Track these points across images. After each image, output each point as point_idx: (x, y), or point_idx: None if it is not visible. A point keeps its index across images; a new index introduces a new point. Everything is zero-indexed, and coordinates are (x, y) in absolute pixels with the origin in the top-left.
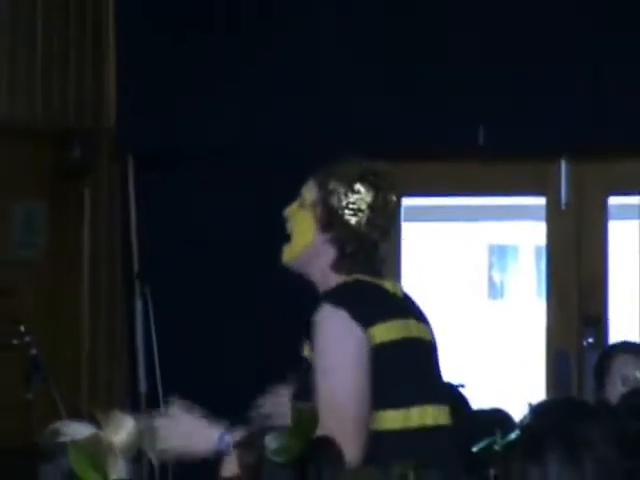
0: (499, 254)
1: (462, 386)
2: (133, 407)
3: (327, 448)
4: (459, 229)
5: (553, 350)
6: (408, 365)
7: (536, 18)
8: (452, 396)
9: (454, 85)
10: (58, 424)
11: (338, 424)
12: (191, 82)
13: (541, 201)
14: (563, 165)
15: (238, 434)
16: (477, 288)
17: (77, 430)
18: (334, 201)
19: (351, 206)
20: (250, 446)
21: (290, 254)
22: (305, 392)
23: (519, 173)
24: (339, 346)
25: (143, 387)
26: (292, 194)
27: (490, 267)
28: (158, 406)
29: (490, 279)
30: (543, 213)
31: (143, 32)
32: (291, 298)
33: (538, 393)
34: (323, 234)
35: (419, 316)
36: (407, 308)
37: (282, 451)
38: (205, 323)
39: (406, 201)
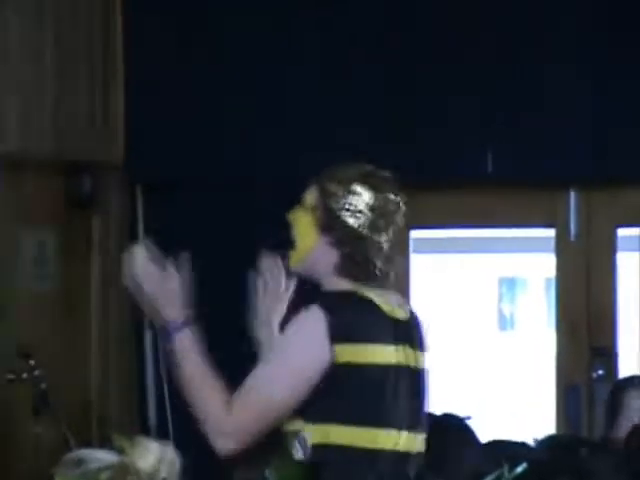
0: (509, 286)
1: (468, 418)
2: None
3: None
4: (469, 261)
5: (563, 382)
6: (376, 389)
7: (546, 47)
8: (458, 427)
9: (462, 115)
10: (77, 452)
11: (243, 409)
12: (200, 114)
13: (550, 233)
14: (572, 196)
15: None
16: (487, 320)
17: (99, 457)
18: (333, 203)
19: (349, 207)
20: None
21: (295, 259)
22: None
23: (528, 204)
24: (299, 346)
25: (153, 419)
26: None
27: (500, 299)
28: (168, 438)
29: (500, 311)
30: (552, 245)
31: (151, 66)
32: None
33: (548, 425)
34: (324, 237)
35: (415, 343)
36: (400, 333)
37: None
38: (214, 353)
39: (415, 233)
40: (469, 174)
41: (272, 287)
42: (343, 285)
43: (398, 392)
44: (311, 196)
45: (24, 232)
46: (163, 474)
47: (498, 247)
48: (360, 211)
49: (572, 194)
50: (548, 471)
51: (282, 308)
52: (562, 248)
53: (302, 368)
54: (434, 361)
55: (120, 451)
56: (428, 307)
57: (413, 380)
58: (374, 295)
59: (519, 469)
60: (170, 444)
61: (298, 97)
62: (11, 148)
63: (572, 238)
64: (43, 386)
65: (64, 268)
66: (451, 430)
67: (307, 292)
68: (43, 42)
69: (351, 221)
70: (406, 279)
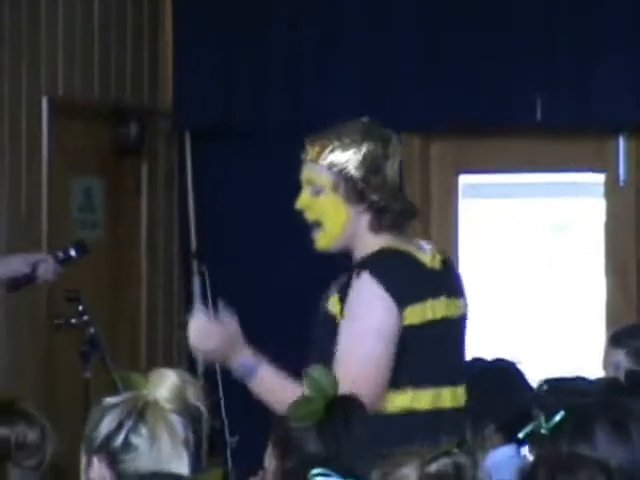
0: (558, 230)
1: (518, 362)
2: None
3: (351, 403)
4: (517, 206)
5: (613, 325)
6: (432, 348)
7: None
8: (508, 373)
9: (512, 61)
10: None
11: (351, 387)
12: (246, 60)
13: (600, 178)
14: (621, 142)
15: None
16: (537, 265)
17: (121, 397)
18: (353, 172)
19: (371, 167)
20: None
21: (326, 239)
22: (322, 343)
23: (577, 150)
24: (371, 314)
25: (201, 365)
26: None
27: (548, 243)
28: (216, 384)
29: (549, 256)
30: (601, 190)
31: (199, 10)
32: None
33: (597, 367)
34: (356, 206)
35: (452, 291)
36: (439, 284)
37: (307, 416)
38: (264, 302)
39: (464, 178)
40: (518, 122)
41: None
42: (379, 241)
43: (444, 346)
44: (320, 176)
45: (72, 178)
46: (190, 399)
47: (547, 192)
48: (379, 166)
49: (621, 139)
50: (587, 415)
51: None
52: (611, 193)
53: (384, 328)
54: (481, 306)
55: (137, 387)
56: (476, 252)
57: (453, 331)
58: (412, 248)
59: (557, 418)
60: (186, 373)
61: (345, 46)
62: (58, 94)
63: (621, 183)
64: (92, 331)
65: (112, 215)
66: (501, 374)
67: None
68: None
69: (378, 179)
70: (455, 224)
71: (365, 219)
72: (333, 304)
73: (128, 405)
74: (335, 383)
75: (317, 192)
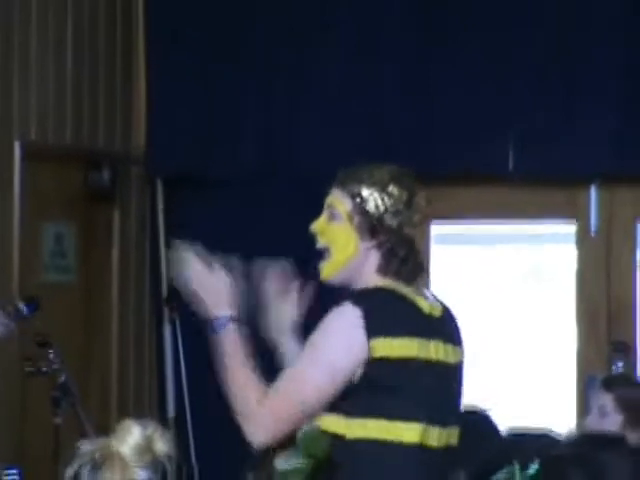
0: (529, 278)
1: (488, 410)
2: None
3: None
4: (489, 253)
5: (583, 375)
6: (413, 384)
7: (568, 45)
8: (480, 421)
9: (484, 111)
10: (81, 443)
11: (277, 403)
12: (219, 108)
13: (571, 228)
14: (593, 191)
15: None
16: (508, 313)
17: (93, 445)
18: (372, 208)
19: (390, 209)
20: (262, 468)
21: (331, 269)
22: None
23: (548, 199)
24: (330, 348)
25: (171, 412)
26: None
27: (519, 291)
28: (186, 430)
29: (520, 303)
30: (573, 239)
31: (173, 57)
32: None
33: (567, 417)
34: (366, 241)
35: (450, 338)
36: (436, 329)
37: (293, 473)
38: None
39: (436, 228)
40: (490, 171)
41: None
42: (378, 282)
43: (431, 387)
44: (342, 203)
45: (44, 223)
46: (157, 451)
47: (519, 240)
48: (399, 211)
49: (592, 189)
50: (561, 467)
51: (291, 309)
52: (583, 242)
53: (338, 363)
54: (469, 353)
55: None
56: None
57: (448, 375)
58: (409, 291)
59: (531, 470)
60: (156, 425)
61: (317, 95)
62: (31, 139)
63: (593, 233)
64: (62, 377)
65: (83, 260)
66: (471, 422)
67: (336, 293)
68: (64, 34)
69: (394, 222)
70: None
71: (374, 259)
72: None
73: (90, 453)
74: (326, 447)
75: (333, 217)
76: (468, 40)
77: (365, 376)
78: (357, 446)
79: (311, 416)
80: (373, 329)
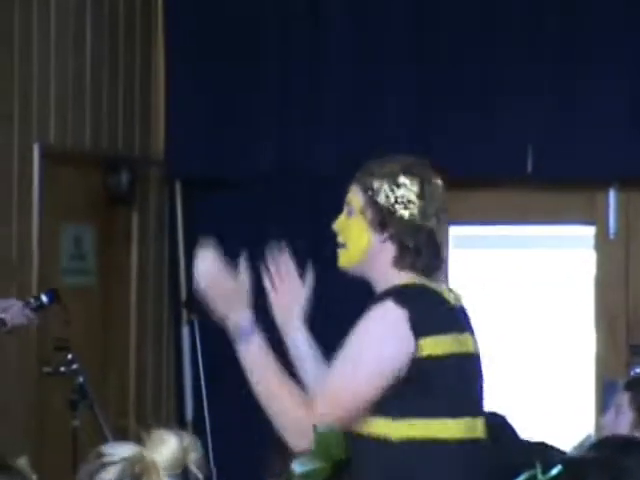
0: (548, 282)
1: (507, 415)
2: None
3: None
4: (507, 257)
5: (602, 379)
6: (456, 379)
7: (587, 47)
8: (499, 426)
9: (503, 113)
10: (102, 446)
11: (327, 406)
12: (237, 110)
13: (590, 231)
14: (612, 194)
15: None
16: (526, 317)
17: (120, 450)
18: (382, 199)
19: (400, 200)
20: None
21: (347, 259)
22: None
23: (567, 202)
24: (378, 344)
25: (190, 415)
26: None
27: (538, 295)
28: (205, 434)
29: (539, 307)
30: (592, 243)
31: (192, 61)
32: (345, 323)
33: (586, 421)
34: (379, 234)
35: (470, 328)
36: (462, 320)
37: (309, 475)
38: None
39: (453, 230)
40: (509, 174)
41: (284, 277)
42: (403, 278)
43: (470, 379)
44: (356, 198)
45: (63, 226)
46: (190, 465)
47: (537, 244)
48: (411, 201)
49: (611, 192)
50: (581, 470)
51: (299, 298)
52: (602, 245)
53: (387, 362)
54: (488, 357)
55: (139, 442)
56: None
57: (477, 366)
58: (436, 285)
59: (553, 472)
60: (189, 434)
61: (333, 97)
62: (50, 142)
63: (611, 236)
64: (81, 379)
65: (102, 263)
66: (491, 427)
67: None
68: (83, 37)
69: (405, 213)
70: (444, 275)
71: (389, 252)
72: None
73: (126, 467)
74: (344, 447)
75: (350, 213)
76: (487, 40)
77: (410, 375)
78: (404, 447)
79: (360, 417)
80: (419, 328)
